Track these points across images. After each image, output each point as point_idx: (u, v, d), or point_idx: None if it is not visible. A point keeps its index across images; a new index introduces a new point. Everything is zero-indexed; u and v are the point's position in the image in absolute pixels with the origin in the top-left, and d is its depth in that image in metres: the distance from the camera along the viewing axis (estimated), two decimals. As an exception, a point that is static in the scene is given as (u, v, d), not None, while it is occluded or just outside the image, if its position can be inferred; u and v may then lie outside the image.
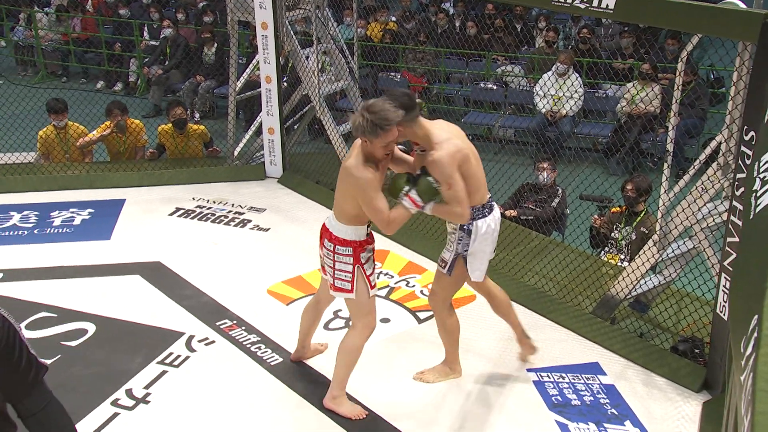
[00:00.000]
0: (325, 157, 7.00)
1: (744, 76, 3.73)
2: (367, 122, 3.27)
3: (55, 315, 4.68)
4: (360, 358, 3.75)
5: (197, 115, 9.47)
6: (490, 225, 3.64)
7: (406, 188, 3.45)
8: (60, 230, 5.94)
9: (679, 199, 4.29)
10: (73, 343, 4.40)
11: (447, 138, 3.44)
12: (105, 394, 3.95)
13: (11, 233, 5.87)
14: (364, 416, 3.77)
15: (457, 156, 3.41)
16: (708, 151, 4.20)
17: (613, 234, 5.64)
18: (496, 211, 3.70)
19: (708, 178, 4.07)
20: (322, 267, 3.74)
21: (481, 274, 3.73)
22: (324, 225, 3.64)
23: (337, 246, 3.55)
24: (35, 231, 5.92)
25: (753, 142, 3.54)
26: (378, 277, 3.91)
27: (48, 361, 4.13)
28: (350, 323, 3.81)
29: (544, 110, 8.38)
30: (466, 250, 3.62)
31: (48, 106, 6.98)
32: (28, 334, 4.46)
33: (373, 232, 3.69)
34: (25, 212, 6.20)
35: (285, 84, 7.43)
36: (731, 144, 3.91)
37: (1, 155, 7.00)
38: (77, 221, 6.10)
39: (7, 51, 12.36)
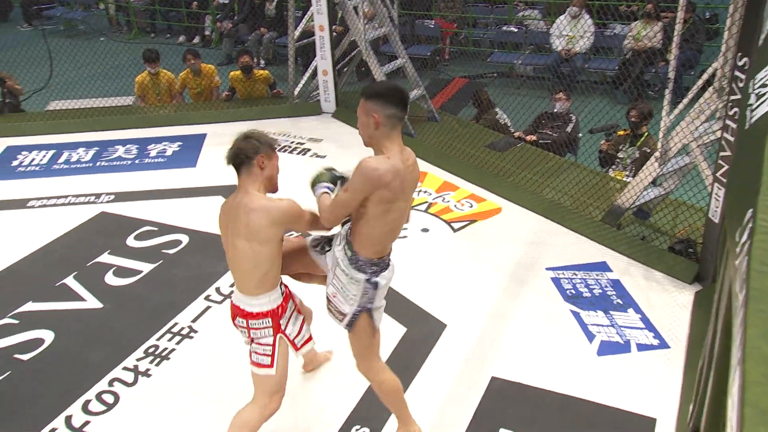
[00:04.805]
0: (371, 95, 6.90)
1: (740, 7, 3.51)
2: (261, 141, 2.64)
3: (156, 228, 4.80)
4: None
5: (262, 63, 9.36)
6: (389, 279, 2.65)
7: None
8: (156, 160, 6.03)
9: (678, 121, 4.14)
10: (172, 251, 4.52)
11: (393, 164, 2.38)
12: (199, 291, 4.08)
13: (118, 163, 5.97)
14: None
15: (381, 178, 2.36)
16: (705, 77, 4.01)
17: (619, 154, 5.49)
18: (392, 269, 2.65)
19: (704, 101, 3.90)
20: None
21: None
22: (231, 303, 2.67)
23: (250, 321, 2.58)
24: (136, 161, 6.01)
25: (746, 67, 3.36)
26: (307, 331, 2.78)
27: (153, 265, 4.33)
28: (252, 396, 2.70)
29: (559, 49, 8.07)
30: (371, 303, 2.59)
31: (144, 56, 7.00)
32: (136, 243, 4.62)
33: (288, 287, 2.72)
34: (128, 146, 6.29)
35: (335, 32, 7.26)
36: (726, 70, 3.72)
37: (107, 99, 7.07)
38: (169, 152, 6.17)
39: (105, 12, 12.32)
